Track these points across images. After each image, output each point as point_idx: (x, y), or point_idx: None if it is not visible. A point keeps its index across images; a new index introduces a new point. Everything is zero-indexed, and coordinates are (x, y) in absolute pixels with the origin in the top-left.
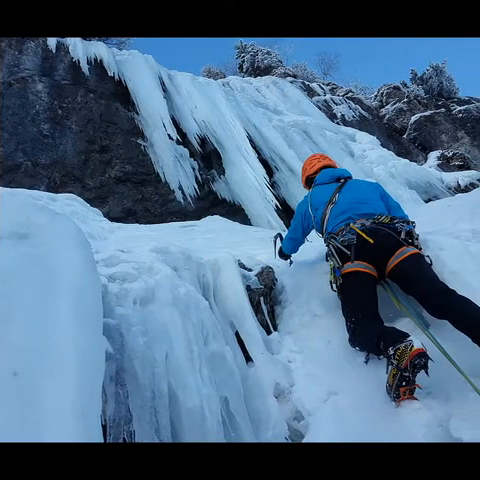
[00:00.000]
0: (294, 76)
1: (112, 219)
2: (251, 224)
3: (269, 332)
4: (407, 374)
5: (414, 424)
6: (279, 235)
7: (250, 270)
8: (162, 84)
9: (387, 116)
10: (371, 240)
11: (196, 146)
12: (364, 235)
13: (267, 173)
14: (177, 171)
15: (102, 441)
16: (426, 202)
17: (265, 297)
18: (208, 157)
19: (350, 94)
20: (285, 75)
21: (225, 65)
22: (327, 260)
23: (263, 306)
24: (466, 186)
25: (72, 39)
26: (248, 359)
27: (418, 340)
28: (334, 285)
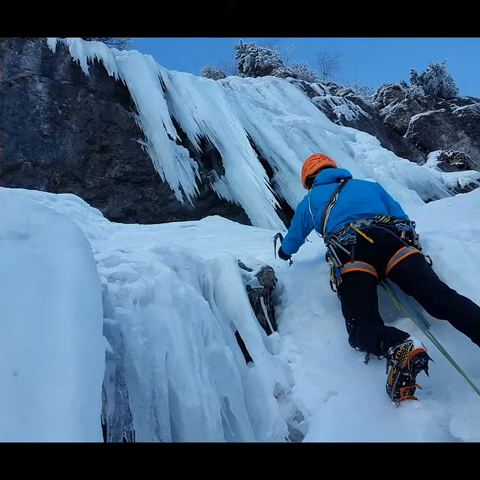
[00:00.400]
0: (294, 76)
1: (112, 219)
2: (251, 224)
3: (269, 332)
4: (407, 374)
5: (414, 424)
6: (279, 235)
7: (250, 270)
8: (162, 84)
9: (387, 116)
10: (371, 240)
11: (196, 146)
12: (364, 235)
13: (267, 173)
14: (177, 171)
15: (102, 441)
16: (426, 202)
17: (265, 297)
18: (208, 157)
19: (350, 94)
20: (285, 75)
21: (225, 65)
22: (327, 260)
23: (263, 306)
24: (466, 186)
25: (72, 39)
26: (248, 359)
27: (418, 340)
28: (334, 285)
